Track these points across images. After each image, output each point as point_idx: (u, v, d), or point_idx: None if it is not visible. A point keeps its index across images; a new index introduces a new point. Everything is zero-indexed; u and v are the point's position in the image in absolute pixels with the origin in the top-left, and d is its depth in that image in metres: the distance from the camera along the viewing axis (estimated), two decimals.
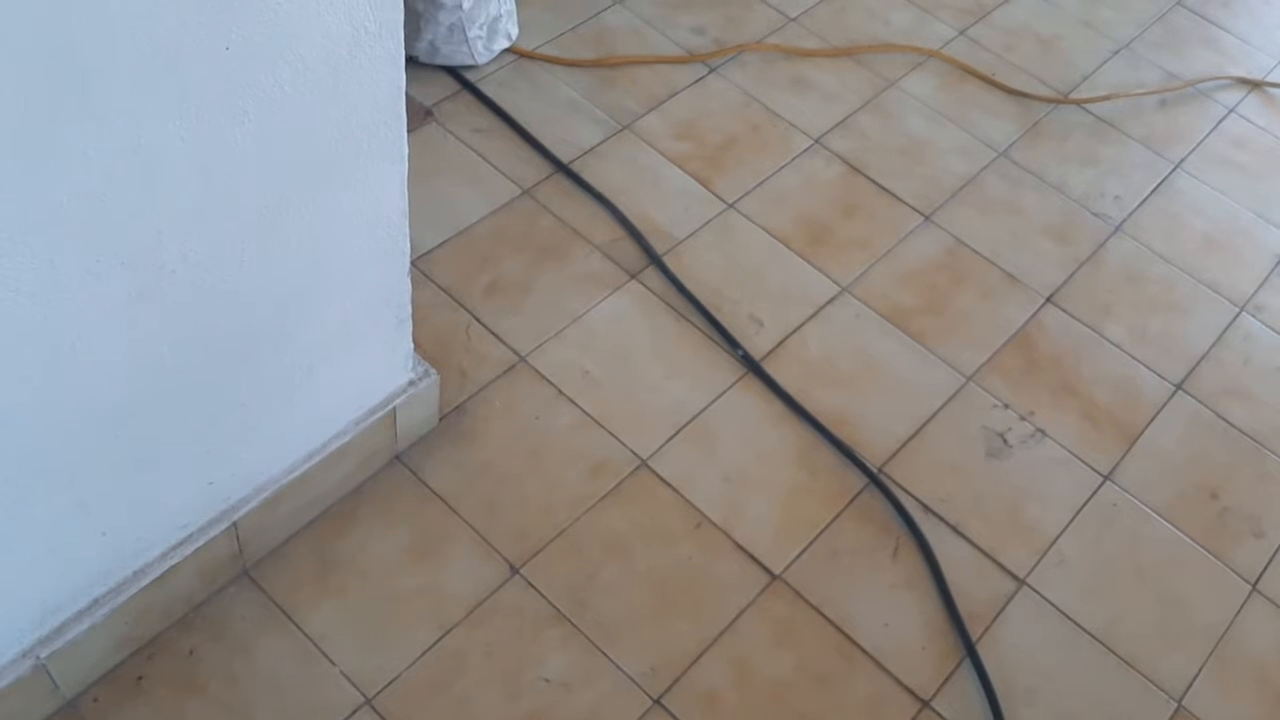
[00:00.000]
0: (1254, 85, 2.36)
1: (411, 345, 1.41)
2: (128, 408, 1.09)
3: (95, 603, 1.24)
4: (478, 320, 1.69)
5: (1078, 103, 2.22)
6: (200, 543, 1.29)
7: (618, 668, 1.39)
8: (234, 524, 1.32)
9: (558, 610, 1.42)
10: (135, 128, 0.89)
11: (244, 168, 1.00)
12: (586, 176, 1.90)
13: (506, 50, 2.06)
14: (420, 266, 1.73)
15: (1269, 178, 2.18)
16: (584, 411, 1.61)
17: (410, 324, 1.38)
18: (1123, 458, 1.71)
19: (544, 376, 1.64)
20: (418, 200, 1.79)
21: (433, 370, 1.48)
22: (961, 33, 2.32)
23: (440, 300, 1.70)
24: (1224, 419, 1.79)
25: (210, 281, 1.06)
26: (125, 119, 0.88)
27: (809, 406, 1.68)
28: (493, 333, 1.68)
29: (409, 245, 1.27)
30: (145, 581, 1.26)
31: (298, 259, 1.14)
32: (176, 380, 1.11)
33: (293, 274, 1.15)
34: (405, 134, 1.15)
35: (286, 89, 0.98)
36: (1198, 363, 1.85)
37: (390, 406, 1.43)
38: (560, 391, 1.63)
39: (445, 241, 1.77)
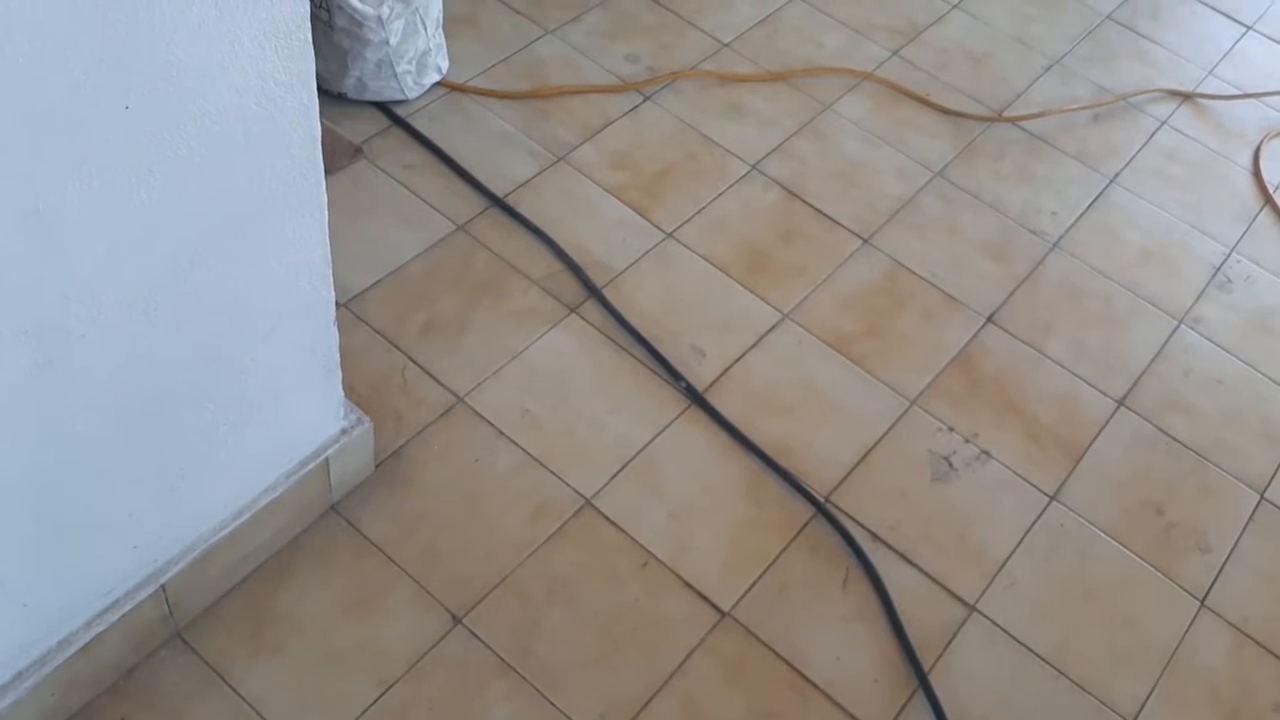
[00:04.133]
0: (1185, 97, 2.38)
1: (342, 393, 1.38)
2: (41, 478, 1.04)
3: (19, 676, 1.19)
4: (413, 361, 1.65)
5: (1011, 120, 2.23)
6: (127, 608, 1.25)
7: (567, 717, 1.36)
8: (162, 586, 1.28)
9: (503, 660, 1.39)
10: (31, 191, 0.85)
11: (152, 227, 0.97)
12: (522, 210, 1.87)
13: (437, 84, 2.03)
14: (352, 308, 1.70)
15: (1201, 189, 2.20)
16: (525, 452, 1.58)
17: (339, 372, 1.34)
18: (1068, 477, 1.71)
19: (483, 417, 1.61)
20: (349, 240, 1.77)
21: (365, 418, 1.44)
22: (894, 53, 2.32)
23: (374, 342, 1.66)
24: (1166, 433, 1.79)
25: (123, 344, 1.02)
26: (19, 182, 0.84)
27: (754, 437, 1.66)
28: (429, 374, 1.64)
29: (333, 294, 1.24)
30: (70, 651, 1.21)
31: (215, 316, 1.11)
32: (91, 447, 1.07)
33: (211, 331, 1.11)
34: (324, 184, 1.12)
35: (193, 144, 0.95)
36: (1139, 377, 1.86)
37: (322, 457, 1.39)
38: (500, 432, 1.60)
39: (378, 282, 1.74)
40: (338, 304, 1.67)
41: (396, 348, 1.66)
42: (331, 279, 1.22)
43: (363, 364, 1.63)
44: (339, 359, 1.33)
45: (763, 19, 2.32)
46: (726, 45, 2.25)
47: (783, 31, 2.31)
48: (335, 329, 1.29)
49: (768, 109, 2.14)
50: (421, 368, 1.65)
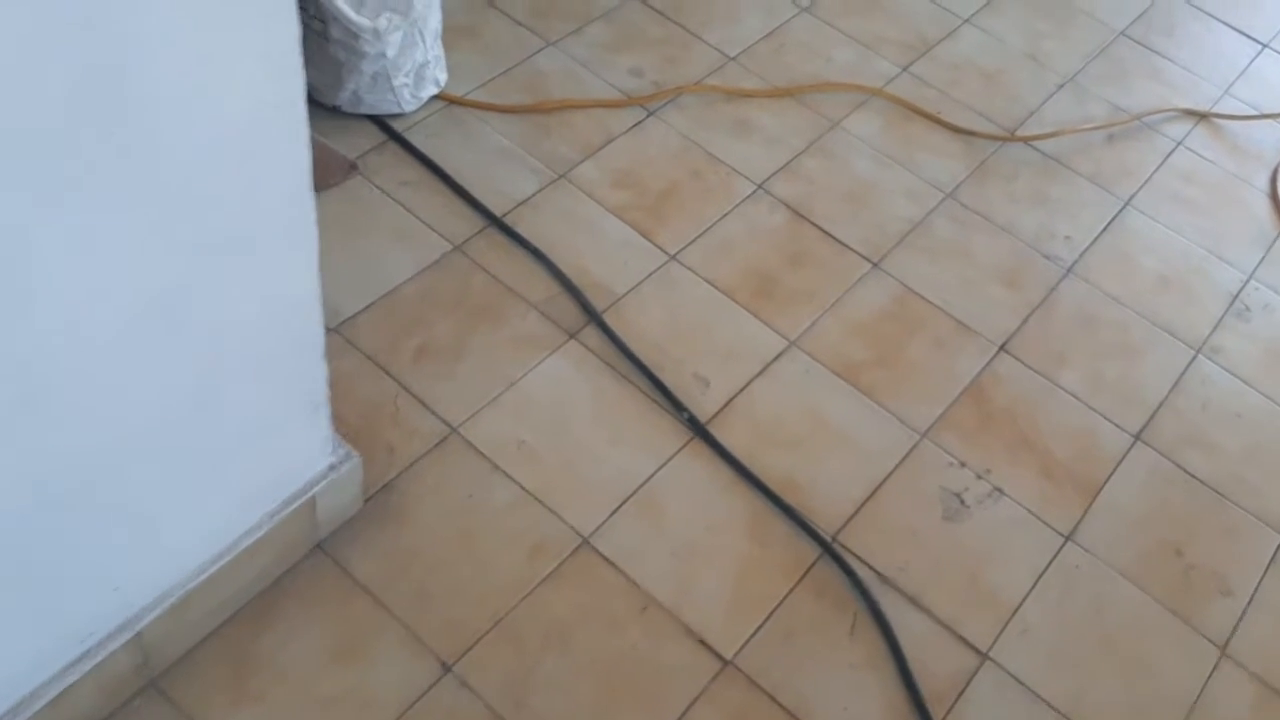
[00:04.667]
0: (1201, 117, 2.32)
1: (330, 429, 1.31)
2: (10, 524, 0.98)
3: None
4: (406, 390, 1.59)
5: (1025, 140, 2.17)
6: (100, 657, 1.18)
7: None
8: (138, 633, 1.21)
9: (494, 712, 1.33)
10: (3, 224, 0.79)
11: (132, 260, 0.91)
12: (521, 230, 1.81)
13: (435, 97, 1.96)
14: (343, 332, 1.63)
15: (1219, 213, 2.14)
16: (521, 486, 1.52)
17: (327, 408, 1.28)
18: (1083, 516, 1.65)
19: (478, 449, 1.55)
20: (341, 260, 1.71)
21: (354, 452, 1.38)
22: (905, 69, 2.26)
23: (365, 369, 1.60)
24: (1185, 470, 1.73)
25: (100, 386, 0.96)
26: None
27: (759, 471, 1.60)
28: (422, 403, 1.58)
29: (323, 328, 1.18)
30: (39, 704, 1.15)
31: (198, 353, 1.05)
32: (67, 491, 1.00)
33: (193, 369, 1.05)
34: (314, 213, 1.06)
35: (177, 174, 0.89)
36: (1156, 410, 1.80)
37: (309, 494, 1.33)
38: (495, 465, 1.53)
39: (371, 304, 1.67)
40: (328, 328, 1.61)
41: (389, 375, 1.60)
42: (321, 311, 1.16)
43: (353, 392, 1.57)
44: (328, 393, 1.26)
45: (770, 32, 2.26)
46: (733, 59, 2.19)
47: (790, 46, 2.24)
48: (324, 363, 1.23)
49: (775, 126, 2.08)
50: (415, 396, 1.58)
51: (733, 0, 2.30)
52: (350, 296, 1.67)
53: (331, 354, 1.57)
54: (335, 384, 1.53)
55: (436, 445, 1.54)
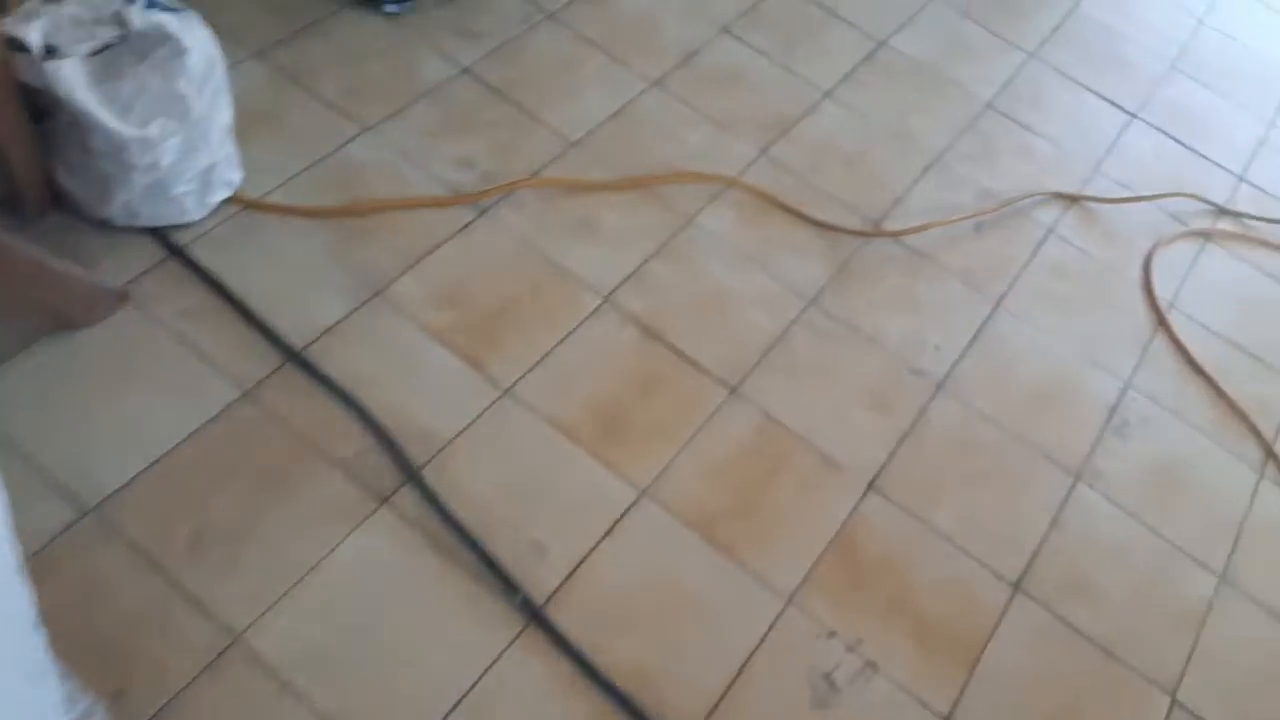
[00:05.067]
0: (1071, 200, 2.20)
1: (61, 691, 1.05)
2: None
3: None
4: (179, 588, 1.33)
5: (891, 235, 2.01)
6: None
7: None
8: None
9: None
10: None
11: None
12: (326, 366, 1.56)
13: (228, 200, 1.69)
14: (104, 514, 1.36)
15: (1092, 310, 2.02)
16: (315, 711, 1.28)
17: (52, 673, 1.02)
18: (964, 690, 1.49)
19: (265, 663, 1.30)
20: (104, 418, 1.43)
21: (99, 704, 1.12)
22: (763, 152, 2.07)
23: (129, 564, 1.33)
24: (1068, 623, 1.59)
25: None
26: None
27: (605, 660, 1.39)
28: (198, 604, 1.32)
29: (31, 606, 0.92)
30: None
31: None
32: None
33: None
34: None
35: None
36: (1036, 552, 1.65)
37: None
38: (286, 683, 1.29)
39: (138, 475, 1.40)
40: (86, 509, 1.34)
41: (158, 569, 1.33)
42: (27, 591, 0.90)
43: (114, 594, 1.30)
44: (50, 664, 1.00)
45: (616, 111, 2.04)
46: (575, 144, 1.96)
47: (638, 127, 2.03)
48: (39, 634, 0.96)
49: (622, 224, 1.87)
50: (189, 596, 1.32)
51: (575, 75, 2.08)
52: (113, 466, 1.40)
53: (88, 545, 1.32)
54: (92, 586, 1.29)
55: (215, 660, 1.28)
